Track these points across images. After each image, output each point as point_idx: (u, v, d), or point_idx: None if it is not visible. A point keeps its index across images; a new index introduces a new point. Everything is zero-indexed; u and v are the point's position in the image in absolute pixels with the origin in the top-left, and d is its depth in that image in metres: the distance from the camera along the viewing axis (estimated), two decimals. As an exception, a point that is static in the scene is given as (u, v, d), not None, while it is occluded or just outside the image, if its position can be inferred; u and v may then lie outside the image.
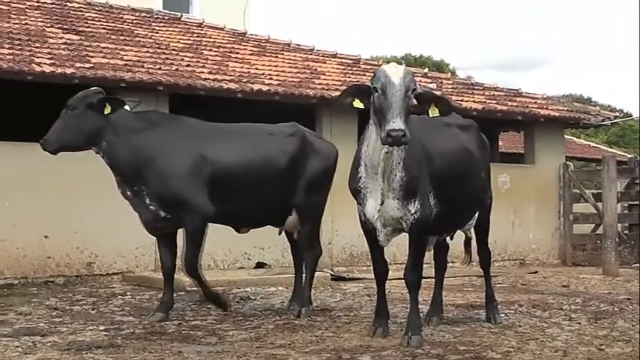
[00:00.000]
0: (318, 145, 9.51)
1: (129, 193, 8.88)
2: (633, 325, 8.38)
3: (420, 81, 16.93)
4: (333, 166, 9.56)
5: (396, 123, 6.42)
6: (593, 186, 18.57)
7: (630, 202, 17.24)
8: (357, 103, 6.93)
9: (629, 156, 22.86)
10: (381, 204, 7.17)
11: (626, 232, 16.66)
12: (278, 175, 9.02)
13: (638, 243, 15.73)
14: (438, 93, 16.10)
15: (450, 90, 16.79)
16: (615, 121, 21.60)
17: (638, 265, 15.22)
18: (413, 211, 7.16)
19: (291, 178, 9.13)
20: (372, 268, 7.96)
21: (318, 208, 9.57)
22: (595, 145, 30.19)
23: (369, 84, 6.85)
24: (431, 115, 7.09)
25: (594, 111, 18.57)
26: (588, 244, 16.83)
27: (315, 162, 9.33)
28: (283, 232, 9.85)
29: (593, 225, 16.75)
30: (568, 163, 17.48)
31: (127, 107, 8.86)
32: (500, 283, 12.32)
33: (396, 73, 6.70)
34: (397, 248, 14.36)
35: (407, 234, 7.42)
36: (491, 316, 8.40)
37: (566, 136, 19.45)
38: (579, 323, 8.56)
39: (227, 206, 8.75)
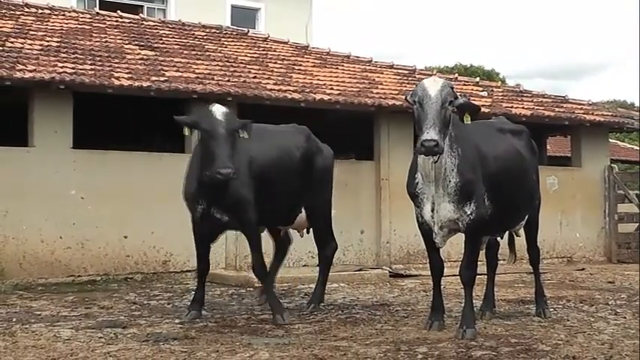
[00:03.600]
0: (320, 145, 9.31)
1: None
2: (676, 319, 8.28)
3: (472, 89, 16.86)
4: (333, 165, 9.42)
5: (429, 133, 6.46)
6: (636, 187, 18.28)
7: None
8: (466, 118, 7.06)
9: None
10: (433, 210, 7.20)
11: (668, 230, 16.43)
12: (296, 173, 8.76)
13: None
14: (489, 100, 16.04)
15: (500, 97, 16.68)
16: (657, 125, 21.24)
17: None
18: (469, 212, 7.16)
19: (304, 176, 8.87)
20: (428, 265, 7.91)
21: (327, 205, 9.28)
22: (638, 148, 29.76)
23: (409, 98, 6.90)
24: (465, 122, 7.10)
25: (637, 116, 18.32)
26: (632, 242, 16.60)
27: (321, 160, 9.18)
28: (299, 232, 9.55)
29: (637, 224, 16.53)
30: (612, 165, 17.25)
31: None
32: (549, 280, 12.20)
33: (433, 86, 6.74)
34: (451, 247, 14.30)
35: (463, 234, 7.39)
36: (541, 311, 8.34)
37: (610, 140, 19.21)
38: (624, 317, 8.47)
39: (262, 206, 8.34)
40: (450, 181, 7.04)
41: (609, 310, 9.03)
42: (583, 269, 14.24)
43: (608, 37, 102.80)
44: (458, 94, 7.00)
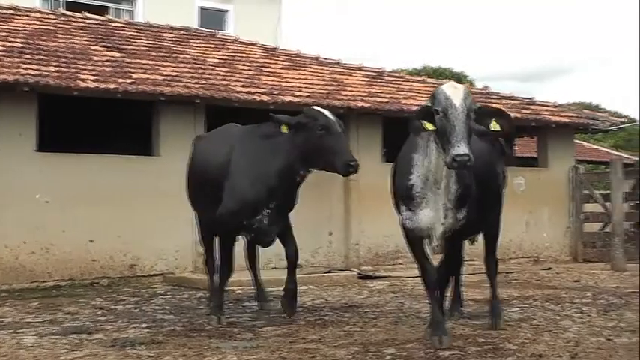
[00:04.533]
0: None
1: None
2: (640, 317, 8.37)
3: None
4: None
5: (461, 147, 6.14)
6: (601, 187, 18.42)
7: (636, 202, 17.12)
8: (429, 126, 6.52)
9: (635, 159, 22.68)
10: (445, 217, 6.90)
11: (633, 229, 16.54)
12: None
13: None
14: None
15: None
16: (622, 126, 21.44)
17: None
18: (460, 218, 6.99)
19: None
20: (395, 269, 7.88)
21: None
22: (603, 149, 30.00)
23: (430, 105, 6.55)
24: (492, 129, 6.73)
25: (602, 117, 18.46)
26: (597, 241, 16.72)
27: None
28: None
29: (602, 223, 16.65)
30: (578, 166, 17.36)
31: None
32: (516, 279, 12.27)
33: (456, 94, 6.40)
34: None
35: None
36: (495, 323, 7.78)
37: (576, 141, 19.33)
38: (589, 315, 8.54)
39: None
40: (451, 188, 6.82)
41: (575, 308, 9.09)
42: (549, 268, 14.32)
43: (575, 40, 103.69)
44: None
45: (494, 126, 6.70)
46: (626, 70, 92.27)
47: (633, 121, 37.60)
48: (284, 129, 8.11)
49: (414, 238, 7.18)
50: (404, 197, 7.04)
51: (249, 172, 8.22)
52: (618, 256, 14.27)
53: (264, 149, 8.28)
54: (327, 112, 8.15)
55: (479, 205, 7.17)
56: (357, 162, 7.79)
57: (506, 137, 7.26)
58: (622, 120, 21.86)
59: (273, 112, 13.17)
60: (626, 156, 25.67)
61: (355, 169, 7.79)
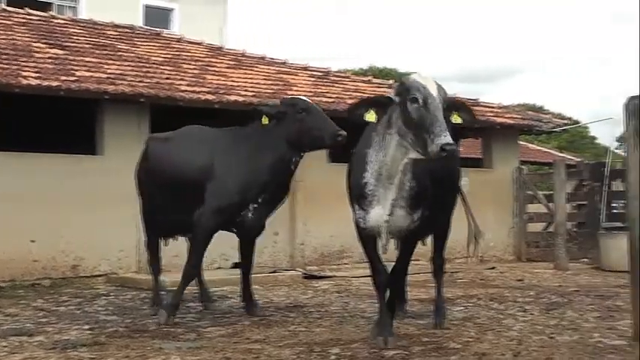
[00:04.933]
0: None
1: None
2: (581, 315, 8.47)
3: (385, 92, 16.97)
4: None
5: (448, 137, 5.93)
6: (545, 188, 18.63)
7: (579, 202, 17.38)
8: (371, 116, 6.39)
9: (578, 160, 23.01)
10: (391, 214, 6.72)
11: (575, 229, 16.79)
12: None
13: (586, 240, 15.81)
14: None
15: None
16: (565, 127, 21.68)
17: (586, 260, 15.31)
18: (416, 219, 6.83)
19: None
20: (340, 269, 7.87)
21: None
22: (547, 150, 30.37)
23: (394, 96, 6.35)
24: (454, 122, 6.56)
25: (546, 119, 18.68)
26: (541, 241, 16.91)
27: None
28: None
29: (545, 223, 16.85)
30: (522, 166, 17.55)
31: None
32: (460, 279, 12.36)
33: (431, 85, 6.22)
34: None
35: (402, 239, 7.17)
36: (439, 322, 7.79)
37: (520, 142, 19.54)
38: (532, 314, 8.62)
39: None
40: (405, 185, 6.64)
41: (518, 307, 9.17)
42: (493, 268, 14.44)
43: (521, 42, 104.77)
44: None
45: (456, 119, 6.58)
46: (570, 73, 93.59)
47: (576, 122, 38.13)
48: (265, 120, 8.26)
49: (366, 237, 7.06)
50: (357, 196, 6.92)
51: (240, 171, 8.30)
52: (561, 255, 14.46)
53: (252, 147, 8.39)
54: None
55: (436, 204, 7.07)
56: (344, 131, 7.97)
57: (466, 130, 7.09)
58: (565, 122, 22.12)
59: (218, 112, 13.25)
60: (569, 157, 26.07)
61: (344, 138, 7.97)
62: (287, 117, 8.24)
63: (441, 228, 8.00)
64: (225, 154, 8.45)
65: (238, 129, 8.72)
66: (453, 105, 6.57)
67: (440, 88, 6.24)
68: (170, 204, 8.66)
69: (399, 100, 6.29)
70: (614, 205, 16.51)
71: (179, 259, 10.92)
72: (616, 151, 25.80)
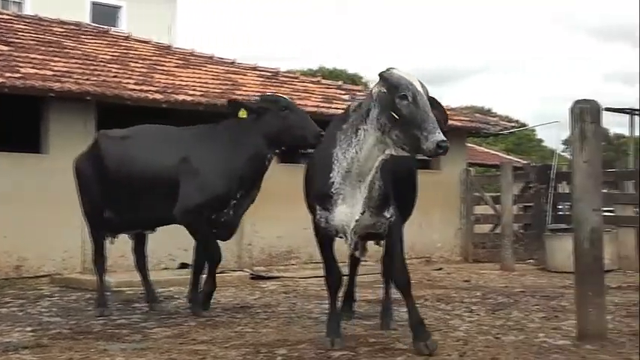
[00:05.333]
0: None
1: None
2: (526, 315, 8.55)
3: (335, 93, 16.99)
4: None
5: (441, 134, 5.87)
6: (492, 189, 18.80)
7: (525, 204, 17.58)
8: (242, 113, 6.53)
9: (525, 162, 23.26)
10: (363, 213, 6.56)
11: (522, 231, 16.95)
12: None
13: (532, 241, 15.98)
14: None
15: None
16: (512, 130, 21.92)
17: (531, 261, 15.46)
18: (388, 216, 6.68)
19: None
20: (287, 269, 7.83)
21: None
22: (494, 152, 30.62)
23: (377, 91, 6.19)
24: None
25: (494, 121, 18.85)
26: (488, 242, 17.05)
27: None
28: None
29: (492, 225, 17.01)
30: (470, 168, 17.69)
31: None
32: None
33: (415, 80, 6.13)
34: (314, 248, 14.46)
35: (380, 239, 7.09)
36: (387, 322, 7.79)
37: (468, 144, 19.67)
38: (479, 315, 8.68)
39: None
40: (375, 183, 6.50)
41: (464, 308, 9.23)
42: (441, 269, 14.53)
43: (470, 45, 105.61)
44: None
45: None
46: (517, 76, 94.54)
47: (523, 125, 38.59)
48: (242, 113, 8.34)
49: (325, 238, 6.95)
50: (320, 195, 6.72)
51: (216, 166, 8.36)
52: (507, 256, 14.57)
53: (228, 142, 8.47)
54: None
55: (400, 205, 6.95)
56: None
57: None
58: (512, 124, 22.40)
59: (166, 111, 13.16)
60: (516, 159, 26.34)
61: None
62: (268, 113, 8.33)
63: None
64: (201, 149, 8.50)
65: (207, 126, 8.81)
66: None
67: (422, 84, 6.17)
68: (128, 201, 8.64)
69: (383, 96, 6.14)
70: (560, 207, 16.73)
71: (125, 260, 10.91)
72: (562, 153, 26.12)
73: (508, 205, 15.07)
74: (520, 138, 45.57)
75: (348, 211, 6.59)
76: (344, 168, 6.48)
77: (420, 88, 6.06)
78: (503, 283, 12.16)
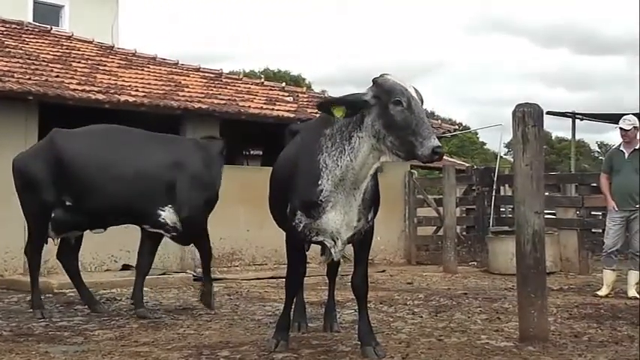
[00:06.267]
0: None
1: None
2: (469, 317, 8.62)
3: (278, 94, 17.00)
4: None
5: (437, 139, 5.81)
6: (435, 192, 18.96)
7: (468, 207, 17.72)
8: (338, 111, 6.12)
9: (467, 165, 23.44)
10: (359, 220, 6.51)
11: (464, 233, 17.11)
12: None
13: (475, 243, 16.12)
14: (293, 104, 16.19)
15: (305, 103, 16.86)
16: (455, 133, 22.14)
17: (474, 263, 15.60)
18: (369, 219, 6.65)
19: None
20: (230, 271, 7.80)
21: None
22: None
23: (371, 98, 6.10)
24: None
25: (436, 124, 18.95)
26: (430, 244, 17.18)
27: None
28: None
29: (435, 227, 17.09)
30: (412, 171, 17.79)
31: None
32: (350, 282, 12.39)
33: (409, 86, 6.06)
34: (256, 250, 14.47)
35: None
36: (330, 325, 7.78)
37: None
38: (421, 317, 8.72)
39: None
40: (368, 190, 6.48)
41: (407, 310, 9.29)
42: (384, 271, 14.57)
43: (413, 45, 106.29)
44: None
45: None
46: (461, 77, 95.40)
47: (466, 128, 38.92)
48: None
49: (300, 242, 6.82)
50: (306, 204, 6.49)
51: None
52: (450, 258, 14.65)
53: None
54: None
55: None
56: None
57: None
58: (455, 127, 22.58)
59: (109, 112, 13.06)
60: (459, 162, 26.54)
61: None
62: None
63: None
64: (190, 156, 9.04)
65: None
66: None
67: (417, 90, 6.11)
68: (95, 198, 8.60)
69: (378, 102, 6.08)
70: (502, 209, 16.90)
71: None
72: (505, 156, 26.39)
73: (451, 208, 15.16)
74: (462, 141, 46.00)
75: (338, 219, 6.47)
76: (337, 176, 6.32)
77: (414, 94, 6.02)
78: (446, 285, 12.26)
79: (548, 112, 18.90)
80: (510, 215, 15.89)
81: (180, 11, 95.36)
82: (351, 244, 6.84)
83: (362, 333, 6.68)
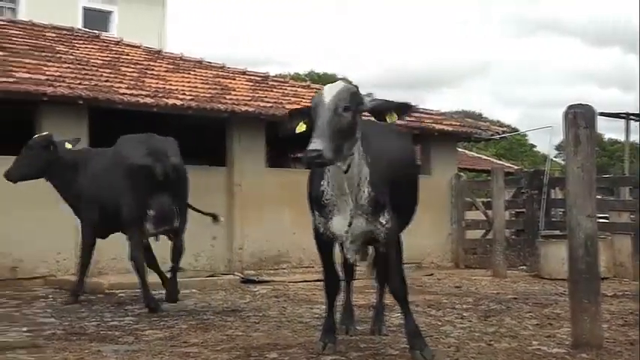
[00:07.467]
0: None
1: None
2: (519, 322, 8.53)
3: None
4: None
5: (314, 143, 5.72)
6: (483, 195, 18.86)
7: (517, 210, 17.60)
8: (300, 127, 6.24)
9: (516, 168, 23.30)
10: (350, 225, 6.49)
11: (513, 237, 16.99)
12: None
13: (524, 247, 16.00)
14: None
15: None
16: (503, 135, 21.97)
17: (524, 267, 15.48)
18: (384, 222, 6.56)
19: None
20: (277, 273, 7.84)
21: None
22: (485, 157, 30.63)
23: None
24: (389, 121, 6.35)
25: (484, 126, 18.91)
26: (479, 248, 17.07)
27: None
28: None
29: (484, 231, 17.00)
30: (460, 173, 17.73)
31: (68, 145, 10.11)
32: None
33: (328, 92, 6.03)
34: (303, 253, 14.51)
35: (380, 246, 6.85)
36: (378, 328, 7.79)
37: (458, 149, 19.73)
38: (470, 321, 8.66)
39: None
40: (364, 192, 6.39)
41: (456, 314, 9.23)
42: (431, 274, 14.52)
43: (461, 49, 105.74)
44: (366, 97, 6.39)
45: (391, 118, 6.34)
46: (510, 78, 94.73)
47: (515, 130, 38.63)
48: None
49: (323, 243, 6.86)
50: (316, 204, 6.66)
51: None
52: (499, 262, 14.49)
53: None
54: None
55: (398, 212, 6.83)
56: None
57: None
58: (503, 129, 22.44)
59: (156, 115, 13.22)
60: (507, 165, 26.37)
61: None
62: None
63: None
64: None
65: None
66: (379, 109, 6.34)
67: (340, 94, 6.03)
68: None
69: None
70: (553, 212, 16.74)
71: (117, 262, 11.11)
72: (555, 159, 26.15)
73: (500, 211, 15.02)
74: (511, 143, 45.67)
75: (341, 222, 6.53)
76: (328, 180, 6.44)
77: (326, 99, 5.98)
78: (495, 289, 12.14)
79: (600, 114, 18.73)
80: (561, 219, 15.75)
81: (225, 14, 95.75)
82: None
83: (408, 336, 6.69)
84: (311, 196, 6.76)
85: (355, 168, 6.25)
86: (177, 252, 9.74)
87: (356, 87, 6.31)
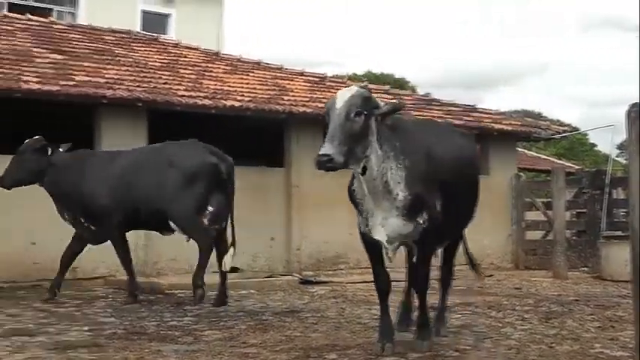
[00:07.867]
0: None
1: (65, 215, 10.48)
2: (581, 325, 8.43)
3: (382, 97, 17.01)
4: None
5: (325, 148, 5.96)
6: (543, 195, 18.68)
7: (578, 210, 17.38)
8: None
9: (577, 167, 23.03)
10: (383, 226, 6.62)
11: (575, 238, 16.78)
12: None
13: (586, 248, 15.82)
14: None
15: (409, 105, 16.83)
16: (564, 134, 21.74)
17: (585, 268, 15.30)
18: (421, 222, 6.63)
19: None
20: (335, 274, 7.84)
21: None
22: (545, 157, 30.32)
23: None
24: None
25: (544, 125, 18.74)
26: (539, 249, 16.92)
27: None
28: None
29: (544, 231, 16.85)
30: (520, 174, 17.60)
31: (60, 149, 10.20)
32: (457, 286, 12.30)
33: (341, 97, 6.23)
34: (361, 254, 14.49)
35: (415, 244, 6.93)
36: (437, 329, 7.68)
37: (518, 149, 19.58)
38: (531, 323, 8.58)
39: None
40: (398, 194, 6.48)
41: (516, 315, 9.15)
42: (491, 275, 14.38)
43: (520, 48, 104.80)
44: (381, 102, 6.49)
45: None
46: (570, 76, 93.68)
47: (576, 129, 38.18)
48: None
49: (367, 243, 6.95)
50: (353, 203, 6.83)
51: None
52: (560, 264, 14.35)
53: None
54: None
55: (452, 208, 6.90)
56: None
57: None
58: (564, 128, 22.22)
59: (213, 117, 13.34)
60: (567, 164, 26.09)
61: None
62: None
63: (458, 233, 7.96)
64: None
65: None
66: (389, 114, 6.47)
67: (352, 99, 6.20)
68: None
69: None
70: (615, 213, 16.50)
71: (175, 263, 11.23)
72: (617, 158, 25.81)
73: (560, 211, 14.86)
74: (572, 142, 45.11)
75: (375, 222, 6.68)
76: (357, 180, 6.59)
77: (338, 104, 6.20)
78: (556, 291, 12.02)
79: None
80: (624, 219, 15.53)
81: (282, 15, 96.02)
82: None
83: (417, 327, 7.09)
84: (350, 196, 6.91)
85: (375, 170, 6.38)
86: (222, 253, 10.07)
87: (369, 91, 6.48)
